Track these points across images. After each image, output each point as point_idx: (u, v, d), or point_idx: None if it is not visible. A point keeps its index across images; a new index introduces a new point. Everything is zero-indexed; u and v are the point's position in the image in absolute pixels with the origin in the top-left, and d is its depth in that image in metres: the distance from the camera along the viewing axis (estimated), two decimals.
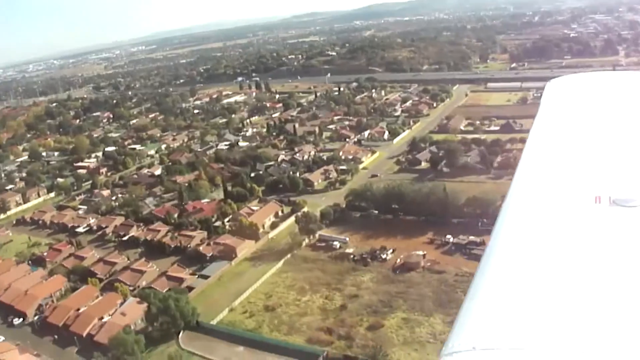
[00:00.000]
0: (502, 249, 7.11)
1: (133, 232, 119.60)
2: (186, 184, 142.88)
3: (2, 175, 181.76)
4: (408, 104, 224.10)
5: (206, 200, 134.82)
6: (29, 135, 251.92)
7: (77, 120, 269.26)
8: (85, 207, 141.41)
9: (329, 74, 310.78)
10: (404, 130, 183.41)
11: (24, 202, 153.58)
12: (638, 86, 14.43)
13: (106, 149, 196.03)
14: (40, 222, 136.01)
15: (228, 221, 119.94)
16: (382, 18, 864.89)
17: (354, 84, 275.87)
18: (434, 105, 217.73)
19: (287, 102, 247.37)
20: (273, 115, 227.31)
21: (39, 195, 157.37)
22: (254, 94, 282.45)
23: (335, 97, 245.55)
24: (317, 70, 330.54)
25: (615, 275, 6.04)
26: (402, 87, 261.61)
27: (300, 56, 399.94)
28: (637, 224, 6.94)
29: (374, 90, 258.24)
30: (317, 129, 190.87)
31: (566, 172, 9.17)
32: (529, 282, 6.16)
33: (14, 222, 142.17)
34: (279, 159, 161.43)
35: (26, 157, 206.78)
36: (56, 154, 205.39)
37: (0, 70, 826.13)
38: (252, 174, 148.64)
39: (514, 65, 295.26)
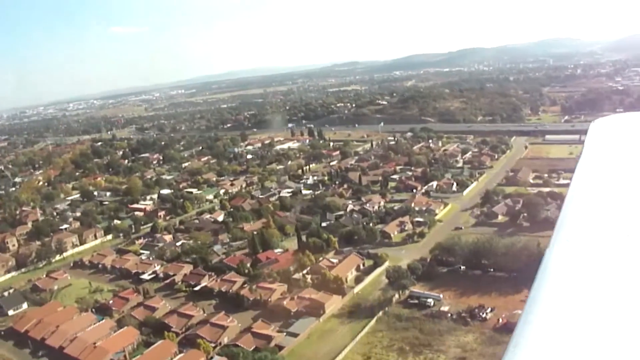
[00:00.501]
0: (551, 291, 6.80)
1: (205, 281, 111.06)
2: (255, 232, 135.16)
3: (55, 214, 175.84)
4: (468, 155, 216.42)
5: (279, 250, 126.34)
6: (77, 174, 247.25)
7: (126, 161, 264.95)
8: (147, 252, 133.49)
9: (382, 123, 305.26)
10: (471, 182, 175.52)
11: (80, 244, 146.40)
12: None
13: (161, 192, 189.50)
14: (100, 265, 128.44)
15: (307, 273, 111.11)
16: (422, 69, 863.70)
17: (409, 134, 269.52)
18: (496, 157, 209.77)
19: (343, 150, 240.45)
20: (331, 163, 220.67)
21: (95, 237, 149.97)
22: (307, 141, 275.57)
23: (393, 147, 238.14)
24: (368, 119, 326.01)
25: None
26: (459, 138, 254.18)
27: (350, 104, 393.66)
28: None
29: (430, 141, 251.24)
30: (380, 179, 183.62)
31: (611, 216, 8.75)
32: (580, 329, 5.95)
33: (71, 264, 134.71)
34: (348, 209, 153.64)
35: (77, 196, 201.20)
36: (108, 194, 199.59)
37: (42, 108, 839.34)
38: (323, 224, 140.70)
39: (567, 117, 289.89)
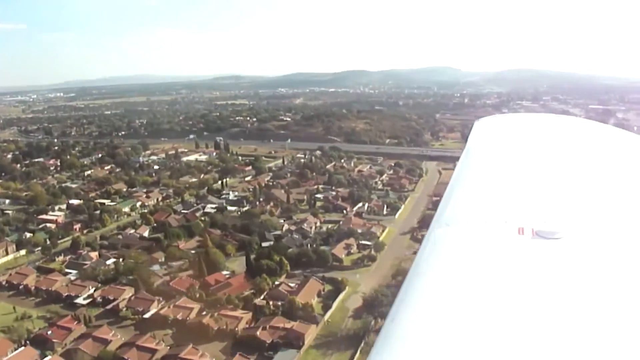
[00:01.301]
0: (421, 282, 6.75)
1: (154, 307, 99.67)
2: (197, 252, 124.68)
3: None
4: (385, 177, 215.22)
5: (226, 272, 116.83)
6: None
7: (18, 165, 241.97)
8: (74, 271, 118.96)
9: (289, 140, 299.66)
10: (400, 205, 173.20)
11: None
12: (556, 126, 15.80)
13: (70, 202, 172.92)
14: (22, 287, 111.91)
15: (266, 299, 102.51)
16: (307, 87, 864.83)
17: (318, 152, 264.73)
18: (414, 180, 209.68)
19: (256, 165, 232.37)
20: (246, 179, 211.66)
21: (6, 253, 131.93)
22: (214, 153, 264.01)
23: (308, 165, 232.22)
24: (272, 135, 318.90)
25: (536, 307, 5.95)
26: (369, 160, 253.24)
27: (249, 118, 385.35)
28: (560, 256, 7.03)
29: (342, 160, 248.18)
30: (306, 197, 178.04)
31: (489, 205, 9.14)
32: (448, 317, 5.89)
33: None
34: (284, 228, 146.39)
35: None
36: (7, 201, 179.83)
37: None
38: (264, 244, 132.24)
39: None
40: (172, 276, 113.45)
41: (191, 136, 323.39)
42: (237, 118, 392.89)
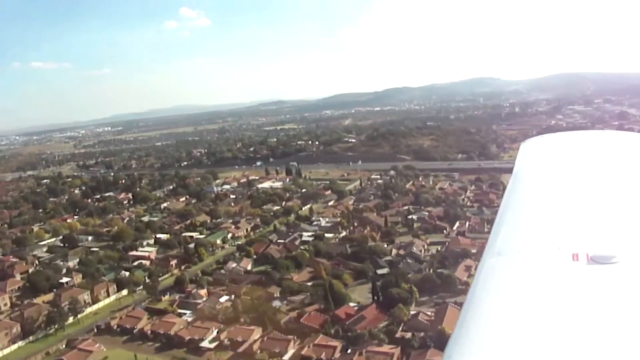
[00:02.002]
0: (477, 315, 6.66)
1: (292, 348, 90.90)
2: (309, 284, 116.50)
3: (37, 262, 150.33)
4: (469, 193, 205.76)
5: (353, 304, 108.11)
6: (39, 214, 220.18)
7: (89, 200, 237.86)
8: (188, 311, 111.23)
9: (359, 161, 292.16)
10: None
11: (93, 302, 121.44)
12: (609, 144, 14.44)
13: (157, 236, 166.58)
14: (136, 331, 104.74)
15: (404, 330, 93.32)
16: (351, 108, 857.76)
17: (392, 172, 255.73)
18: (501, 194, 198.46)
19: (336, 189, 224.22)
20: (329, 203, 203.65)
21: (108, 293, 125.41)
22: (287, 180, 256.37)
23: (389, 185, 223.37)
24: (339, 157, 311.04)
25: (594, 336, 5.71)
26: (446, 176, 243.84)
27: (311, 142, 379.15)
28: (616, 281, 6.74)
29: (420, 179, 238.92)
30: (400, 219, 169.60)
31: (542, 231, 8.71)
32: (505, 348, 5.82)
33: (95, 329, 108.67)
34: (393, 253, 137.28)
35: (52, 240, 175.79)
36: (89, 238, 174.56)
37: None
38: (379, 271, 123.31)
39: None
40: (299, 312, 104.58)
41: (258, 163, 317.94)
42: (298, 142, 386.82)
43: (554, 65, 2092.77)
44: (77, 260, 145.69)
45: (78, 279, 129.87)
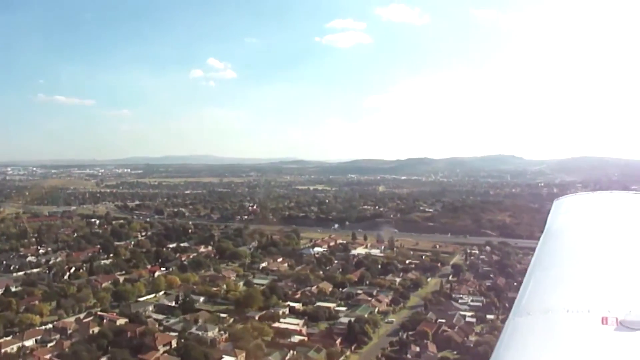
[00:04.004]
0: None
1: None
2: None
3: (158, 325, 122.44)
4: None
5: None
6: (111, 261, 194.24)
7: (163, 249, 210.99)
8: None
9: (449, 234, 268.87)
10: None
11: None
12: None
13: (291, 304, 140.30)
14: None
15: None
16: (375, 174, 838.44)
17: (487, 248, 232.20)
18: None
19: (447, 263, 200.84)
20: (449, 278, 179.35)
21: None
22: (382, 247, 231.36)
23: (499, 262, 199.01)
24: (419, 227, 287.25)
25: None
26: None
27: (380, 207, 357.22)
28: None
29: (519, 256, 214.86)
30: None
31: (571, 292, 8.88)
32: None
33: None
34: None
35: (152, 296, 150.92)
36: (201, 299, 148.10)
37: None
38: None
39: None
40: None
41: (335, 226, 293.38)
42: (363, 207, 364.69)
43: (576, 148, 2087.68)
44: (216, 330, 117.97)
45: (242, 358, 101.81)
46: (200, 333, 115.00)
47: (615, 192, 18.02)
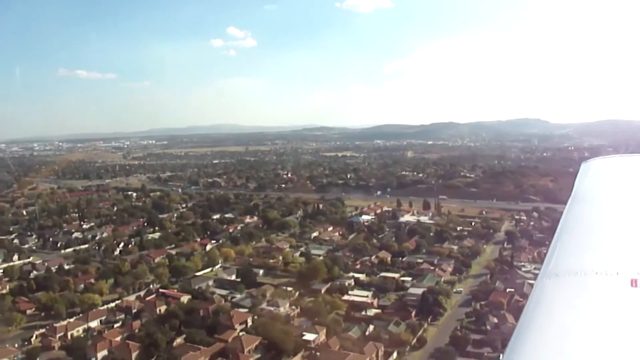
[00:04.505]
0: (531, 334, 6.68)
1: None
2: None
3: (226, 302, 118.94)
4: None
5: None
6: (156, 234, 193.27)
7: (209, 221, 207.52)
8: None
9: (494, 199, 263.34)
10: None
11: None
12: None
13: (356, 276, 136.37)
14: None
15: None
16: (401, 139, 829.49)
17: (535, 214, 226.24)
18: None
19: (500, 230, 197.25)
20: (505, 245, 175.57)
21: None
22: (430, 213, 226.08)
23: (550, 227, 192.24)
24: (462, 193, 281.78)
25: None
26: None
27: (418, 174, 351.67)
28: None
29: None
30: None
31: (600, 254, 8.77)
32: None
33: None
34: None
35: (208, 271, 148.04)
36: (260, 272, 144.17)
37: (4, 145, 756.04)
38: None
39: None
40: None
41: (378, 192, 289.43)
42: (401, 173, 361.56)
43: (602, 111, 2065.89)
44: (287, 305, 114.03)
45: (322, 334, 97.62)
46: (272, 309, 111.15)
47: None
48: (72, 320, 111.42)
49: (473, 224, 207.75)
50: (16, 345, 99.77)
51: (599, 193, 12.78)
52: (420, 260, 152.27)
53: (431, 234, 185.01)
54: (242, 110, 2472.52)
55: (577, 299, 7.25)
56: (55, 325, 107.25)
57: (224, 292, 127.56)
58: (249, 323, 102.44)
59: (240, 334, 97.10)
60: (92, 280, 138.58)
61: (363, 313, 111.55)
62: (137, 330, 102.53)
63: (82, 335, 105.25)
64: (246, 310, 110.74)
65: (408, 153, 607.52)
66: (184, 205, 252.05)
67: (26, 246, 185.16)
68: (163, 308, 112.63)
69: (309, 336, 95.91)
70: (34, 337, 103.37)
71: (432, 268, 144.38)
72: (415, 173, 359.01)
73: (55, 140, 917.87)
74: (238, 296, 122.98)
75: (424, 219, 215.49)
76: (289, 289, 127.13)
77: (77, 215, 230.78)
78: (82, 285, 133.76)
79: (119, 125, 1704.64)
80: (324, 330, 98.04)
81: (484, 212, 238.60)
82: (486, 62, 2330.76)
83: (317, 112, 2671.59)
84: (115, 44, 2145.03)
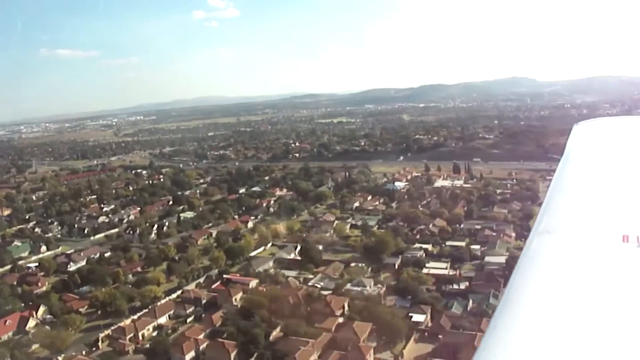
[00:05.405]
0: (522, 291, 6.76)
1: None
2: None
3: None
4: None
5: None
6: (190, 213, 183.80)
7: (237, 196, 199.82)
8: None
9: (521, 160, 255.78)
10: None
11: None
12: None
13: (423, 246, 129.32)
14: None
15: None
16: (391, 103, 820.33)
17: None
18: None
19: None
20: None
21: None
22: (462, 177, 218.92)
23: None
24: (483, 154, 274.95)
25: None
26: None
27: (433, 137, 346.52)
28: None
29: None
30: None
31: (592, 212, 8.86)
32: (549, 326, 5.92)
33: None
34: None
35: (261, 250, 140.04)
36: (320, 247, 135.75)
37: None
38: None
39: None
40: None
41: (401, 157, 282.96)
42: (417, 136, 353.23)
43: (589, 67, 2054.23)
44: (372, 283, 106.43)
45: (428, 314, 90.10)
46: (359, 289, 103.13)
47: (634, 117, 18.22)
48: (136, 317, 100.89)
49: (509, 186, 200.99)
50: (84, 352, 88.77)
51: (591, 154, 12.73)
52: (478, 227, 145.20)
53: (473, 198, 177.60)
54: (228, 81, 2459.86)
55: (570, 254, 7.20)
56: (120, 325, 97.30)
57: (292, 273, 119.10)
58: (346, 308, 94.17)
59: (339, 320, 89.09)
60: (139, 269, 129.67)
61: (453, 286, 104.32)
62: (218, 325, 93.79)
63: (154, 335, 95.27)
64: (330, 292, 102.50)
65: (404, 116, 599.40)
66: (201, 181, 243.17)
67: (50, 235, 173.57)
68: (238, 296, 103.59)
69: (416, 317, 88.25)
70: (100, 341, 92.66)
71: (494, 234, 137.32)
72: (430, 136, 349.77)
73: (42, 122, 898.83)
74: (311, 277, 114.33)
75: (458, 183, 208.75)
76: (360, 265, 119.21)
77: (94, 197, 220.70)
78: (130, 276, 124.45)
79: (104, 103, 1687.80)
80: (429, 309, 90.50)
81: (513, 174, 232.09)
82: (472, 21, 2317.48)
83: (305, 79, 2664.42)
84: (96, 22, 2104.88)
